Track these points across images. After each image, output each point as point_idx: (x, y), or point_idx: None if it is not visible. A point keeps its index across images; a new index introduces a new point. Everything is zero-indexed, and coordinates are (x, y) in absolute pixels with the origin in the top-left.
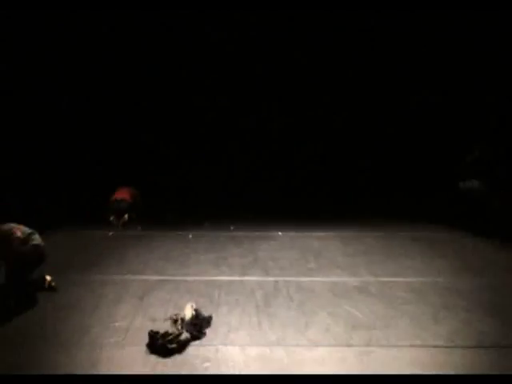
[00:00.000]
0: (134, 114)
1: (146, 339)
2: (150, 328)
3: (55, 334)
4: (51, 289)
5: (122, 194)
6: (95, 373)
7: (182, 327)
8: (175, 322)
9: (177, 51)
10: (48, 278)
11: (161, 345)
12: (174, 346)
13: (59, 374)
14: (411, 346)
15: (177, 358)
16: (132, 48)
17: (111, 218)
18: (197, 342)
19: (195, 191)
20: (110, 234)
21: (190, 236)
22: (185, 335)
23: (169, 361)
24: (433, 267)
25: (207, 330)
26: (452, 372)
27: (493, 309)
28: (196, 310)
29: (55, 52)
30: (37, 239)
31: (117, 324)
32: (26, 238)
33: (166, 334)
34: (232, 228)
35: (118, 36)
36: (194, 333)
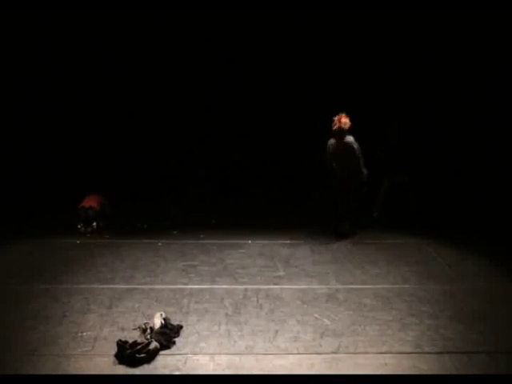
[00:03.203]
0: (103, 121)
1: (115, 349)
2: (118, 338)
3: (21, 344)
4: None
5: (90, 202)
6: None
7: (150, 336)
8: (144, 331)
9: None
10: None
11: (129, 355)
12: (142, 355)
13: None
14: (379, 352)
15: (146, 367)
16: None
17: (79, 226)
18: (166, 352)
19: (165, 199)
20: (78, 242)
21: (160, 244)
22: (154, 344)
23: (137, 371)
24: (399, 274)
25: (176, 339)
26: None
27: (458, 315)
28: (165, 319)
29: None
30: None
31: (84, 334)
32: None
33: (135, 343)
34: (202, 236)
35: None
36: (164, 342)
